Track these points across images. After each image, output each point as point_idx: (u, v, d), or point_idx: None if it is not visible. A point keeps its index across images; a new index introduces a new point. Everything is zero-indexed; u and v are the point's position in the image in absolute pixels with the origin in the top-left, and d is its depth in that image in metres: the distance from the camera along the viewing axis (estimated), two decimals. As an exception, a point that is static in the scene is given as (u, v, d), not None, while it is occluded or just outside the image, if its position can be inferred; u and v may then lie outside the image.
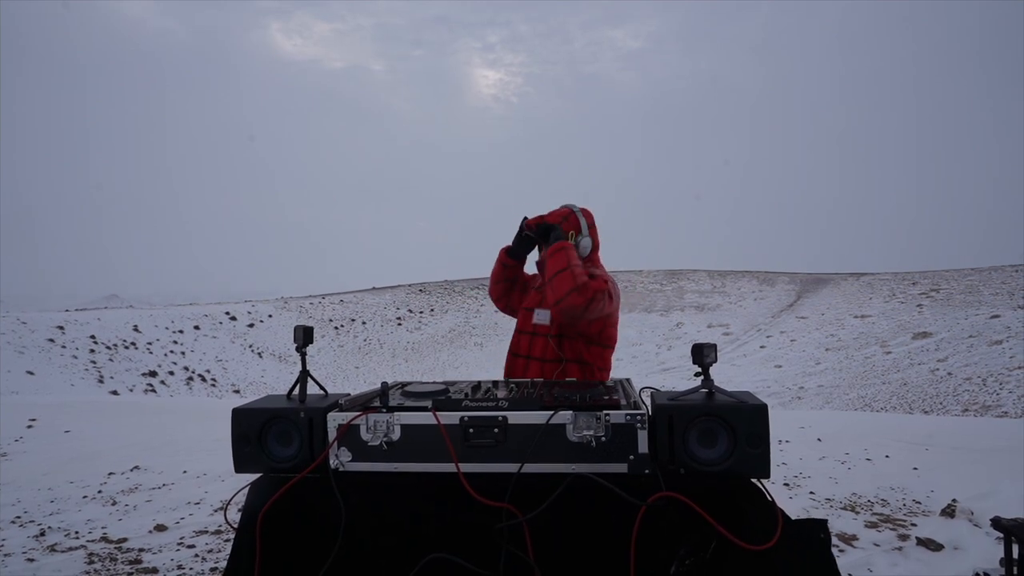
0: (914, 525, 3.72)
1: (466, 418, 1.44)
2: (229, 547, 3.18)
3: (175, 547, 3.38)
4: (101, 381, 20.28)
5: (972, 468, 5.13)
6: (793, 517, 1.36)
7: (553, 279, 2.16)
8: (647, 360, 28.53)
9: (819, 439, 6.65)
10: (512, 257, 2.55)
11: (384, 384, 1.57)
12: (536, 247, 2.51)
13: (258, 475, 1.53)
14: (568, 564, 1.40)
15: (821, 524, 1.36)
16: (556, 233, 2.29)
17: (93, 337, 22.95)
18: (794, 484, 4.78)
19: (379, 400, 1.54)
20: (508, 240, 2.55)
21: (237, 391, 23.11)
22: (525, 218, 2.45)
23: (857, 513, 4.00)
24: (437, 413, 1.45)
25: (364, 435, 1.46)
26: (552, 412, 1.42)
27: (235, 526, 1.49)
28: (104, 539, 3.51)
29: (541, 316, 2.38)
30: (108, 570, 3.07)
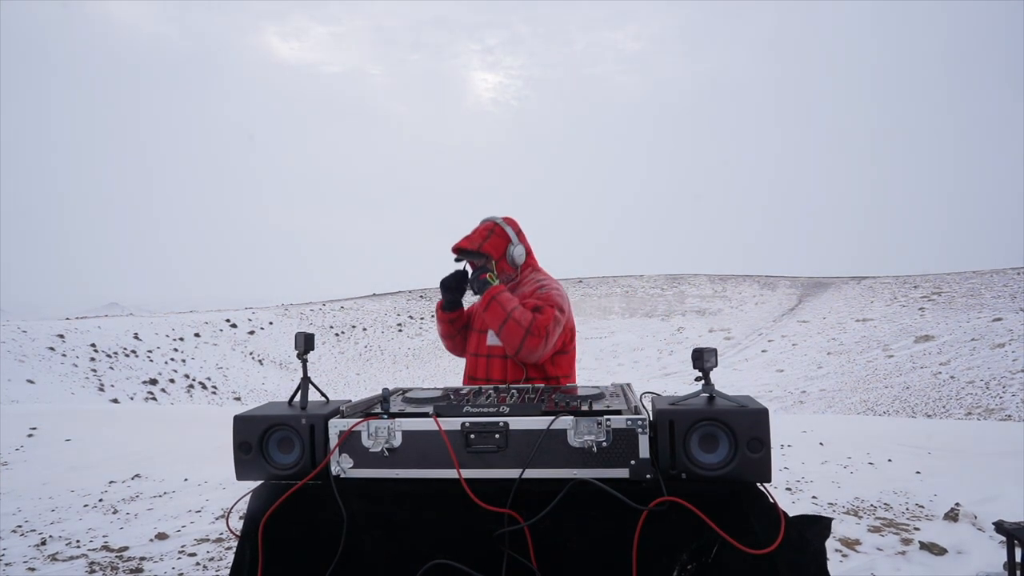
0: (917, 529, 3.70)
1: (467, 424, 1.44)
2: (230, 555, 3.18)
3: (176, 555, 3.37)
4: (102, 389, 20.26)
5: (975, 472, 5.11)
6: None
7: (501, 333, 2.15)
8: (648, 365, 28.49)
9: (821, 443, 6.63)
10: (449, 311, 2.43)
11: (385, 390, 1.58)
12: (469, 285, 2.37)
13: (259, 482, 1.53)
14: (570, 569, 1.40)
15: (825, 522, 1.35)
16: (474, 279, 2.25)
17: (93, 345, 22.95)
18: (796, 489, 4.76)
19: (380, 406, 1.54)
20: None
21: (238, 398, 23.09)
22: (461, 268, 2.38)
23: (860, 518, 3.98)
24: (438, 419, 1.45)
25: (365, 441, 1.46)
26: (553, 417, 1.42)
27: (237, 533, 1.49)
28: (105, 548, 3.50)
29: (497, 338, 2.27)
30: (109, 579, 3.06)
